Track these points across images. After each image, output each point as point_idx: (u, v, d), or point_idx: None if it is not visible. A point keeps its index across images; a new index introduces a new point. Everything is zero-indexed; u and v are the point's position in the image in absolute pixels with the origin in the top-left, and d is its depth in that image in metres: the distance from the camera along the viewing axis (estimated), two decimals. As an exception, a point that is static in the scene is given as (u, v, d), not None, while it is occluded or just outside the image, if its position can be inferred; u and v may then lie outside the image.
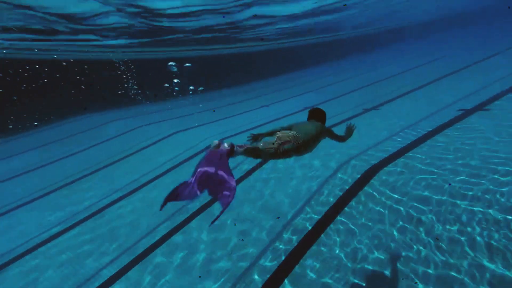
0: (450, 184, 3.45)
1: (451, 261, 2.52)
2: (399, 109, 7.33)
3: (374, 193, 3.69)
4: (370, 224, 3.19)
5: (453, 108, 6.21)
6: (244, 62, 25.20)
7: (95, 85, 18.59)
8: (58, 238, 4.45)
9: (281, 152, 2.10)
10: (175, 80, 18.45)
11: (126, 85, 18.93)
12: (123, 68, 18.40)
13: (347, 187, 3.99)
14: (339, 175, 4.38)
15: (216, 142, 1.91)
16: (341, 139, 2.57)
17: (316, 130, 2.31)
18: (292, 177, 4.70)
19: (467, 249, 2.59)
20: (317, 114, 2.61)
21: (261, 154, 2.06)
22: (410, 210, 3.23)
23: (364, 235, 3.06)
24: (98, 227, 4.51)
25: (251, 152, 2.01)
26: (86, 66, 17.53)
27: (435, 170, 3.82)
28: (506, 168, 3.51)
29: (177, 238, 3.80)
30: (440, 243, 2.72)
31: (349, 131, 2.61)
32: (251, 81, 23.21)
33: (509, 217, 2.78)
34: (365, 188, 3.83)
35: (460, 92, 7.41)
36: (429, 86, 9.13)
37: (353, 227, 3.21)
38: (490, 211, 2.92)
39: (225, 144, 1.91)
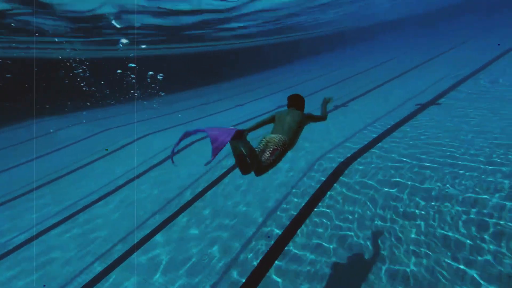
0: (415, 170, 3.97)
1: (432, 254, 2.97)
2: (366, 106, 8.03)
3: (347, 184, 4.10)
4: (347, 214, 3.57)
5: (412, 103, 7.01)
6: (218, 61, 24.96)
7: (52, 86, 16.99)
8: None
9: (271, 163, 2.23)
10: (159, 76, 17.60)
11: (83, 85, 17.56)
12: (81, 68, 17.12)
13: (318, 186, 4.29)
14: (313, 173, 4.70)
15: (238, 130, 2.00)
16: (321, 118, 2.71)
17: (298, 123, 2.47)
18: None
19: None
20: (296, 102, 2.72)
21: (254, 161, 2.13)
22: (381, 198, 3.67)
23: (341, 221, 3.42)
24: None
25: (250, 151, 2.09)
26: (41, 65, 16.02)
27: (403, 159, 4.35)
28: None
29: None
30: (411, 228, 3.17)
31: (325, 103, 2.78)
32: (224, 80, 23.12)
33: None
34: (341, 178, 4.23)
35: (413, 89, 8.36)
36: (392, 81, 10.12)
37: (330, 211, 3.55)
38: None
39: (237, 128, 2.00)
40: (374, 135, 5.45)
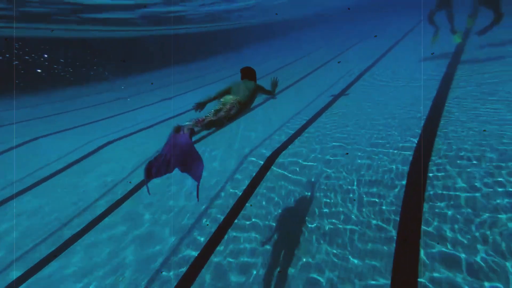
0: (347, 153, 4.52)
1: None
2: (293, 98, 8.66)
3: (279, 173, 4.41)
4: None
5: (327, 94, 7.91)
6: (138, 48, 22.12)
7: None
8: None
9: (230, 117, 2.47)
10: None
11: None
12: None
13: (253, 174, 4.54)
14: (245, 164, 4.89)
15: (176, 126, 2.18)
16: (270, 93, 3.06)
17: (251, 90, 2.76)
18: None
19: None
20: (248, 73, 3.01)
21: (216, 124, 2.37)
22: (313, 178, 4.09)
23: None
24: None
25: (209, 125, 2.30)
26: None
27: (334, 143, 4.91)
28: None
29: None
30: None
31: (274, 84, 3.14)
32: (146, 71, 20.89)
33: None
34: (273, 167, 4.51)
35: (327, 81, 9.43)
36: (311, 75, 11.10)
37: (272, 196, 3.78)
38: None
39: (185, 128, 2.17)
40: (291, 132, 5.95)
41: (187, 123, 2.21)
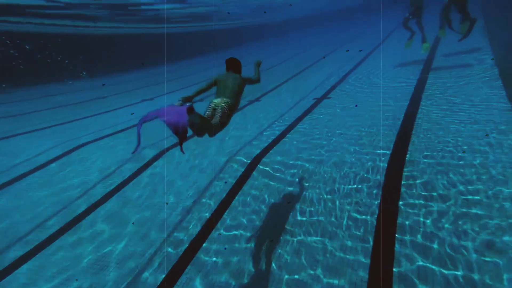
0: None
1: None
2: (277, 99, 8.78)
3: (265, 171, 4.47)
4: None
5: (310, 97, 8.12)
6: (118, 46, 21.33)
7: None
8: None
9: (222, 123, 2.52)
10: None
11: None
12: None
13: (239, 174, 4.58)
14: (231, 164, 4.92)
15: (179, 101, 2.43)
16: (256, 81, 3.02)
17: (239, 85, 2.76)
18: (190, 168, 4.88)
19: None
20: (234, 65, 2.96)
21: (207, 127, 2.42)
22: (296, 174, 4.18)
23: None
24: None
25: (204, 121, 2.32)
26: None
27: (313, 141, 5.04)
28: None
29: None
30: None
31: (258, 64, 3.09)
32: (128, 70, 20.23)
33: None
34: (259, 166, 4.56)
35: (314, 82, 9.69)
36: (295, 77, 11.34)
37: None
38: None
39: (187, 104, 2.17)
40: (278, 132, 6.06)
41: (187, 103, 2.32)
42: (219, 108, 2.57)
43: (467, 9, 7.86)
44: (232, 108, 2.63)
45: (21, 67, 15.32)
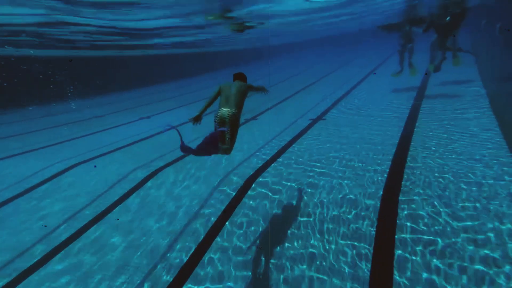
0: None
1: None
2: (273, 118, 8.84)
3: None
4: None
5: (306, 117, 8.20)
6: (115, 67, 21.80)
7: None
8: None
9: (232, 138, 2.87)
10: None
11: None
12: None
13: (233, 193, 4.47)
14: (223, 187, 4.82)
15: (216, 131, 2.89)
16: (262, 88, 3.25)
17: (241, 93, 2.97)
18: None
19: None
20: (240, 77, 3.26)
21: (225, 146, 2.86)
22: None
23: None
24: None
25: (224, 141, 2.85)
26: None
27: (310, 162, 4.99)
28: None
29: None
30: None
31: (263, 89, 3.32)
32: (123, 90, 20.51)
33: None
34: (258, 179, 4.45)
35: (308, 103, 9.85)
36: (292, 97, 11.52)
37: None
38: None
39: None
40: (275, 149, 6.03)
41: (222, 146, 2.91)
42: (227, 120, 2.83)
43: (455, 42, 8.28)
44: (236, 117, 2.88)
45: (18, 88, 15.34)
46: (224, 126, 2.81)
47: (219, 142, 2.88)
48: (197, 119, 2.89)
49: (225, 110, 2.83)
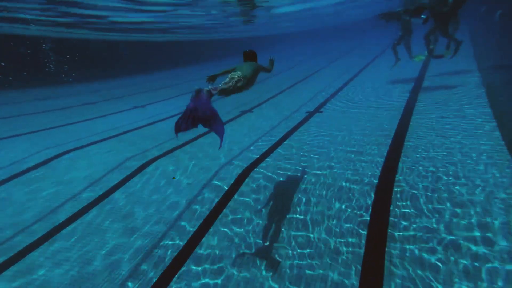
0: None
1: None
2: (268, 112, 8.74)
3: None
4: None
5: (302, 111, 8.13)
6: (109, 52, 21.18)
7: None
8: None
9: (238, 88, 2.97)
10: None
11: None
12: None
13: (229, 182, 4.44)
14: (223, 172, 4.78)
15: (196, 88, 2.67)
16: (269, 70, 3.51)
17: (254, 69, 3.20)
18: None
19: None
20: (250, 56, 3.49)
21: (227, 92, 2.91)
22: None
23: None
24: None
25: (222, 92, 2.86)
26: None
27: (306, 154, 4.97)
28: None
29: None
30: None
31: (271, 62, 3.61)
32: (117, 76, 20.04)
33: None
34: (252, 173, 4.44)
35: (303, 97, 9.74)
36: (289, 89, 11.40)
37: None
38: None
39: (204, 90, 2.70)
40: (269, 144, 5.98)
41: (205, 88, 2.76)
42: (236, 77, 3.00)
43: (449, 31, 8.15)
44: (247, 79, 3.04)
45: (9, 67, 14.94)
46: (231, 82, 2.98)
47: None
48: (211, 79, 3.25)
49: (237, 72, 3.08)
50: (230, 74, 3.09)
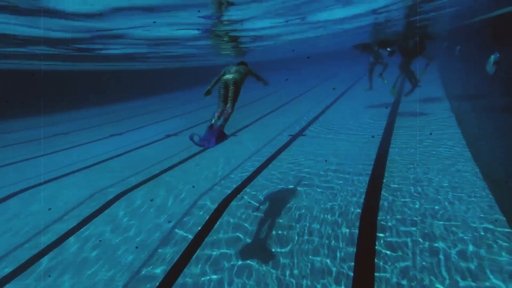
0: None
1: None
2: (254, 134, 8.66)
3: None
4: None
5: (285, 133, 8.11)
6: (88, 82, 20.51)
7: None
8: None
9: (235, 99, 3.35)
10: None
11: None
12: None
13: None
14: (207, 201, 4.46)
15: (210, 124, 3.27)
16: (263, 79, 3.74)
17: (242, 73, 3.47)
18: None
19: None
20: (242, 63, 3.71)
21: (231, 114, 3.36)
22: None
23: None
24: None
25: (228, 119, 3.33)
26: None
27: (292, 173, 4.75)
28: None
29: None
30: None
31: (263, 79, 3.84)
32: (90, 106, 19.26)
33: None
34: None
35: (286, 120, 9.83)
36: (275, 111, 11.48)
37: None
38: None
39: (216, 126, 3.28)
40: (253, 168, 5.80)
41: (214, 120, 3.26)
42: (230, 82, 3.31)
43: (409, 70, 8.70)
44: (238, 83, 3.33)
45: None
46: (227, 89, 3.29)
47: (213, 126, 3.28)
48: (208, 93, 3.54)
49: (228, 76, 3.34)
50: (223, 78, 3.36)
